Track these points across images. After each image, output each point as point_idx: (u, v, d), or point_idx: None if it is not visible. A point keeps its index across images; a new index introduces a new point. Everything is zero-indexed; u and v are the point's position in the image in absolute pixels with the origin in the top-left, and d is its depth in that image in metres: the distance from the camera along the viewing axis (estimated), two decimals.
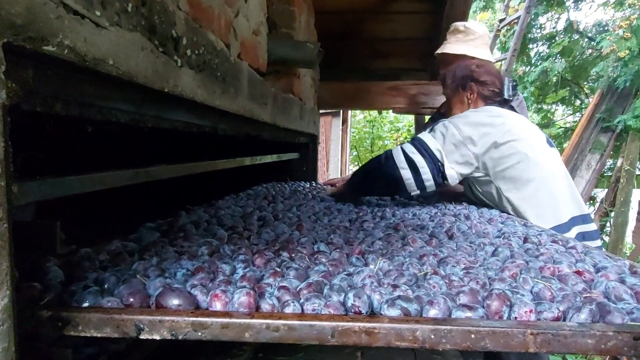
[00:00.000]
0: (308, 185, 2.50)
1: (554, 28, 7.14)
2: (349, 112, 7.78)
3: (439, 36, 2.91)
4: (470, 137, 1.67)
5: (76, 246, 0.85)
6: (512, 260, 0.90)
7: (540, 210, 1.63)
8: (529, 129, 1.79)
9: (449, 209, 1.70)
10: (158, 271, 0.77)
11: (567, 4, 6.85)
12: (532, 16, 5.98)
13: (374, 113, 11.18)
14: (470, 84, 1.88)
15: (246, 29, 1.29)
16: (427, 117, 3.59)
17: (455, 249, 1.02)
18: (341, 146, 6.43)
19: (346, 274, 0.79)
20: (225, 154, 1.76)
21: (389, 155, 1.77)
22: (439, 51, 2.46)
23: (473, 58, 2.36)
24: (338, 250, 0.97)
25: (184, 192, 1.59)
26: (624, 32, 5.62)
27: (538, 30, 7.16)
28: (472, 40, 2.37)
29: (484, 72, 1.89)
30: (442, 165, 1.67)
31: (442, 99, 3.01)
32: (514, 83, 1.90)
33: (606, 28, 6.45)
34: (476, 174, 1.73)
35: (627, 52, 5.50)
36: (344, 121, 6.54)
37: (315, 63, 1.89)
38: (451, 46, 2.40)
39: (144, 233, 1.08)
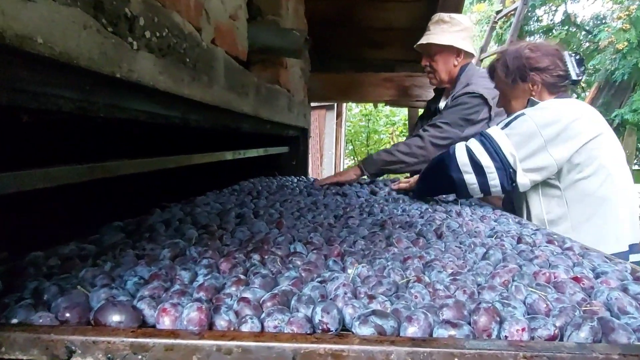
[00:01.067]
0: (296, 180, 2.42)
1: (551, 20, 7.04)
2: (344, 105, 7.69)
3: None
4: (553, 139, 1.43)
5: (8, 252, 0.76)
6: (504, 265, 0.82)
7: (603, 233, 1.44)
8: (611, 133, 1.55)
9: (441, 205, 1.62)
10: (107, 279, 0.68)
11: None
12: (530, 8, 5.88)
13: (370, 107, 11.08)
14: (529, 75, 1.58)
15: (221, 12, 1.19)
16: (420, 110, 3.51)
17: (444, 250, 0.94)
18: (335, 140, 6.34)
19: (319, 281, 0.71)
20: (211, 147, 1.67)
21: (451, 154, 1.56)
22: (422, 41, 2.30)
23: (460, 50, 2.27)
24: (316, 251, 0.89)
25: (163, 189, 1.50)
26: (623, 23, 5.52)
27: (535, 23, 7.06)
28: (458, 31, 2.25)
29: (542, 55, 1.58)
30: (515, 172, 1.46)
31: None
32: (578, 57, 1.62)
33: (604, 21, 6.36)
34: (548, 181, 1.51)
35: (626, 43, 5.40)
36: (339, 114, 6.44)
37: (302, 52, 1.80)
38: (436, 36, 2.25)
39: (107, 233, 0.99)
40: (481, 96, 2.17)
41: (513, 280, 0.73)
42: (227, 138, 1.78)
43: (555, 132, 1.44)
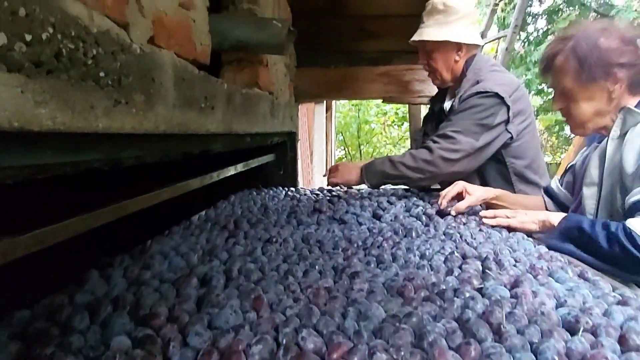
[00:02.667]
0: (283, 195, 2.07)
1: (554, 1, 6.67)
2: None
3: None
4: None
5: None
6: None
7: None
8: None
9: (463, 238, 1.28)
10: None
11: None
12: None
13: None
14: (613, 71, 1.27)
15: (165, 1, 0.83)
16: (423, 108, 3.16)
17: None
18: (326, 135, 5.98)
19: None
20: (172, 172, 1.32)
21: (627, 234, 1.11)
22: (415, 38, 1.95)
23: (458, 44, 1.92)
24: None
25: (105, 241, 1.15)
26: None
27: (537, 3, 6.69)
28: (455, 20, 1.89)
29: (621, 43, 1.27)
30: None
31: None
32: None
33: (608, 1, 6.02)
34: None
35: None
36: (328, 108, 6.07)
37: (286, 47, 1.44)
38: (430, 31, 1.90)
39: None
40: (496, 95, 1.83)
41: None
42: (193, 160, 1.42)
43: None
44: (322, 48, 2.98)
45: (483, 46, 3.94)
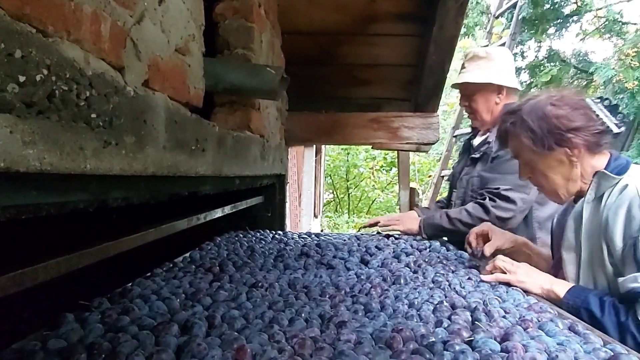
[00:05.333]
0: (271, 238, 2.05)
1: (536, 57, 6.99)
2: None
3: (425, 62, 2.55)
4: None
5: None
6: None
7: None
8: None
9: (452, 287, 1.27)
10: None
11: (549, 31, 6.73)
12: (516, 43, 5.81)
13: None
14: (567, 137, 1.26)
15: (161, 45, 0.85)
16: (411, 154, 3.22)
17: None
18: (315, 178, 6.00)
19: None
20: (156, 212, 1.30)
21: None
22: (458, 81, 2.05)
23: (501, 86, 1.99)
24: None
25: (86, 283, 1.11)
26: (630, 60, 5.35)
27: (520, 59, 7.00)
28: (496, 65, 1.99)
29: (570, 110, 1.27)
30: None
31: (427, 133, 2.63)
32: (607, 101, 1.28)
33: (587, 58, 6.32)
34: None
35: (636, 83, 5.14)
36: (318, 151, 6.14)
37: (278, 93, 1.47)
38: (472, 74, 2.00)
39: None
40: None
41: None
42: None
43: None
44: (313, 93, 3.05)
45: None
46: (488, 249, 1.59)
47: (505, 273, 1.33)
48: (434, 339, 0.86)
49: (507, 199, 1.87)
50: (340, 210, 11.54)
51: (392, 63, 2.78)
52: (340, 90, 3.09)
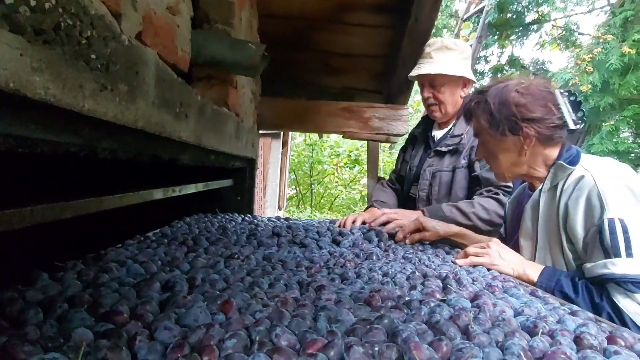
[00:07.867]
0: (241, 220, 2.05)
1: (498, 61, 7.32)
2: (290, 134, 7.41)
3: (398, 55, 2.61)
4: None
5: None
6: None
7: None
8: None
9: (422, 262, 1.33)
10: None
11: (511, 37, 7.06)
12: (482, 47, 6.03)
13: (315, 136, 10.91)
14: (521, 126, 1.29)
15: (155, 0, 0.85)
16: (383, 144, 3.27)
17: None
18: (280, 170, 6.00)
19: None
20: (131, 178, 1.28)
21: (615, 310, 1.14)
22: (429, 71, 1.97)
23: (464, 81, 2.03)
24: None
25: (58, 242, 1.08)
26: (586, 65, 5.70)
27: (484, 62, 7.30)
28: (464, 59, 2.01)
29: (534, 100, 1.29)
30: None
31: (397, 125, 2.66)
32: (573, 97, 1.29)
33: (544, 67, 6.68)
34: None
35: (590, 86, 5.50)
36: (284, 144, 6.14)
37: (259, 69, 1.48)
38: (445, 66, 1.96)
39: None
40: None
41: None
42: (155, 168, 1.39)
43: None
44: (286, 79, 3.05)
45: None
46: (417, 237, 1.61)
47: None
48: (409, 298, 0.91)
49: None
50: (303, 205, 11.57)
51: (365, 53, 2.82)
52: (313, 77, 3.10)
